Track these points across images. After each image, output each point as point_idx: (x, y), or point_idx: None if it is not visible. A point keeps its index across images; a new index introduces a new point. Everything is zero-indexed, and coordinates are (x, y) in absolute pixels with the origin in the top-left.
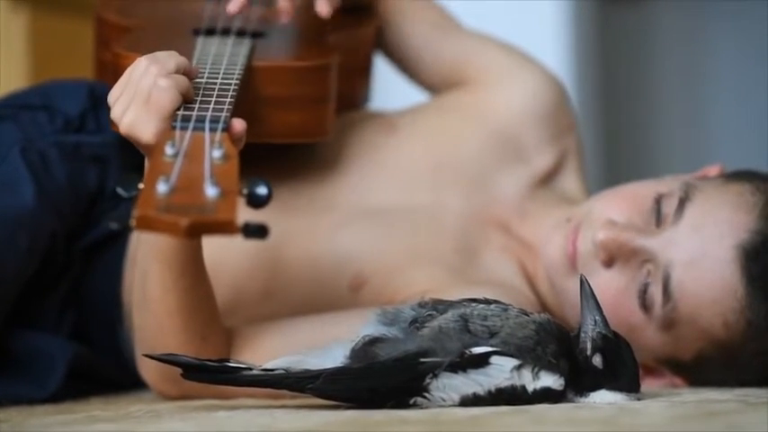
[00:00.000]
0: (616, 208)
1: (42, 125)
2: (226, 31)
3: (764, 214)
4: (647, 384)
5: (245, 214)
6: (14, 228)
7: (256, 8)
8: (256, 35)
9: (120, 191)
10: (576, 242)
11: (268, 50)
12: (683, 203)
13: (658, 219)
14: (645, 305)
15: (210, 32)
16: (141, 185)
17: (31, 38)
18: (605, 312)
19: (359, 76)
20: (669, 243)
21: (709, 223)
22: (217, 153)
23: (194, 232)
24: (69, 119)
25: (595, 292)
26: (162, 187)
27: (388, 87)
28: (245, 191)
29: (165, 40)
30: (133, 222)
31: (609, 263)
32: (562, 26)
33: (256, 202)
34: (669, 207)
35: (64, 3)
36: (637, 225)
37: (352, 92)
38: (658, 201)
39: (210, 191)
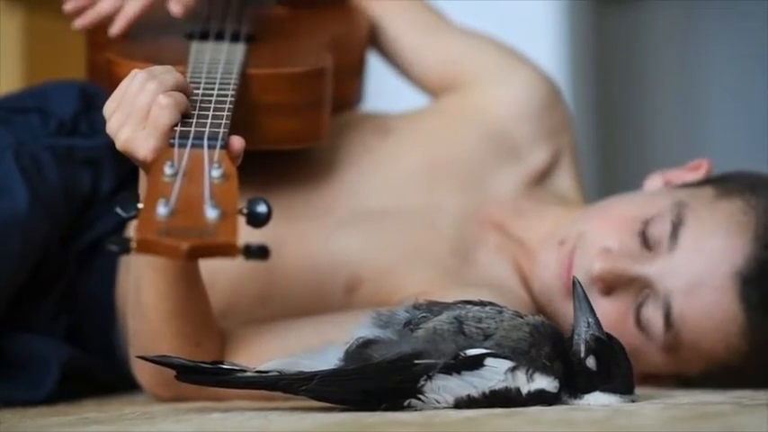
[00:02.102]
0: (609, 232)
1: (35, 128)
2: (219, 35)
3: (757, 235)
4: (651, 385)
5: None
6: (7, 232)
7: (250, 9)
8: (250, 38)
9: (119, 211)
10: (572, 270)
11: (262, 55)
12: (676, 229)
13: (650, 241)
14: (644, 330)
15: (204, 36)
16: (140, 205)
17: (26, 39)
18: None
19: (351, 77)
20: (666, 271)
21: (705, 250)
22: (216, 172)
23: (195, 256)
24: (62, 121)
25: None
26: (162, 210)
27: (381, 88)
28: (244, 210)
29: (159, 45)
30: (133, 245)
31: (607, 292)
32: (557, 26)
33: (256, 221)
34: (661, 231)
35: (58, 4)
36: (631, 251)
37: (344, 92)
38: (648, 223)
39: (210, 213)
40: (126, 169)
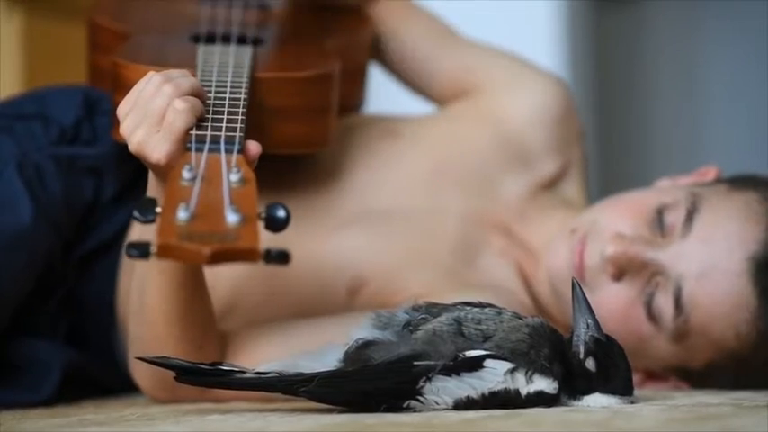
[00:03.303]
0: (622, 219)
1: (37, 136)
2: (226, 39)
3: None
4: (651, 388)
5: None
6: (12, 248)
7: (254, 12)
8: (256, 42)
9: (136, 215)
10: (584, 255)
11: (268, 59)
12: (691, 215)
13: (664, 229)
14: (653, 316)
15: (210, 39)
16: (158, 210)
17: (25, 42)
18: (615, 325)
19: (354, 80)
20: (679, 256)
21: (719, 235)
22: (234, 177)
23: (217, 260)
24: (64, 128)
25: (605, 305)
26: (182, 214)
27: (384, 91)
28: (263, 215)
29: (165, 48)
30: (154, 250)
31: (618, 276)
32: (556, 27)
33: (275, 226)
34: (675, 218)
35: (58, 6)
36: (645, 237)
37: (347, 96)
38: (663, 211)
39: (231, 217)
40: (128, 176)
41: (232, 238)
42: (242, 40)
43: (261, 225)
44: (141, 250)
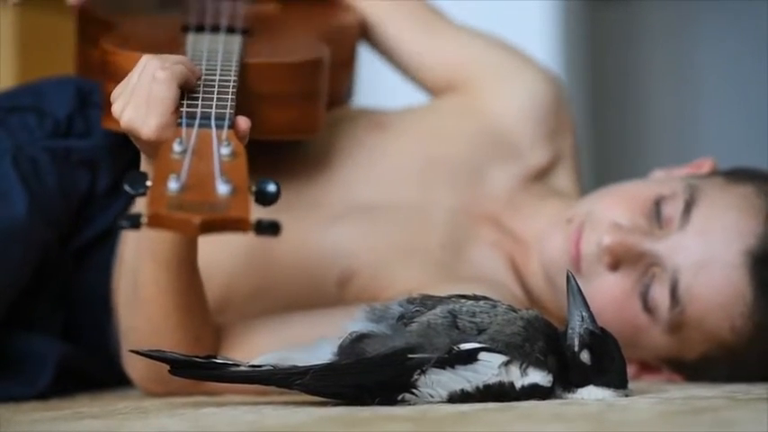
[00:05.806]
0: (619, 209)
1: (32, 129)
2: (215, 28)
3: None
4: (644, 380)
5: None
6: (7, 241)
7: (243, 5)
8: (245, 32)
9: (127, 188)
10: (580, 244)
11: (258, 47)
12: (689, 207)
13: (661, 221)
14: (649, 308)
15: (200, 29)
16: (149, 183)
17: (19, 34)
18: (610, 315)
19: (342, 71)
20: (676, 247)
21: (717, 228)
22: (225, 150)
23: (207, 230)
24: (58, 121)
25: (600, 295)
26: (173, 185)
27: (373, 83)
28: (253, 188)
29: (155, 36)
30: (145, 221)
31: (615, 266)
32: (551, 24)
33: (265, 199)
34: (673, 209)
35: None
36: (642, 228)
37: (335, 87)
38: (660, 202)
39: (222, 188)
40: (122, 168)
41: (223, 207)
42: (231, 30)
43: (251, 199)
44: (132, 221)
